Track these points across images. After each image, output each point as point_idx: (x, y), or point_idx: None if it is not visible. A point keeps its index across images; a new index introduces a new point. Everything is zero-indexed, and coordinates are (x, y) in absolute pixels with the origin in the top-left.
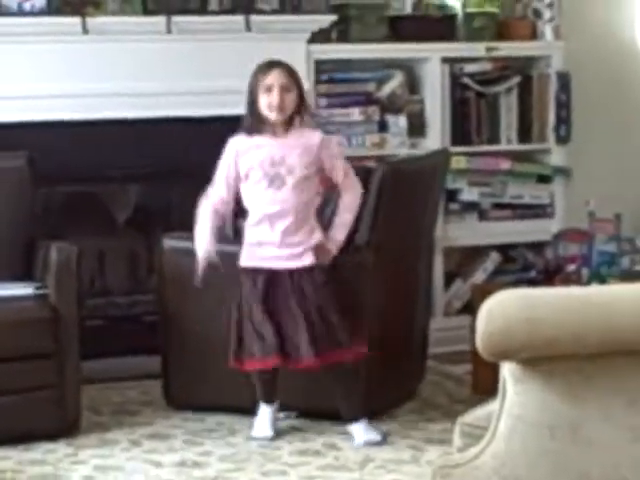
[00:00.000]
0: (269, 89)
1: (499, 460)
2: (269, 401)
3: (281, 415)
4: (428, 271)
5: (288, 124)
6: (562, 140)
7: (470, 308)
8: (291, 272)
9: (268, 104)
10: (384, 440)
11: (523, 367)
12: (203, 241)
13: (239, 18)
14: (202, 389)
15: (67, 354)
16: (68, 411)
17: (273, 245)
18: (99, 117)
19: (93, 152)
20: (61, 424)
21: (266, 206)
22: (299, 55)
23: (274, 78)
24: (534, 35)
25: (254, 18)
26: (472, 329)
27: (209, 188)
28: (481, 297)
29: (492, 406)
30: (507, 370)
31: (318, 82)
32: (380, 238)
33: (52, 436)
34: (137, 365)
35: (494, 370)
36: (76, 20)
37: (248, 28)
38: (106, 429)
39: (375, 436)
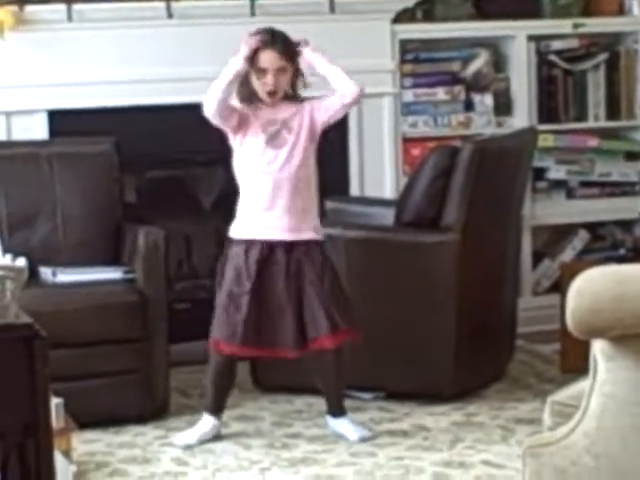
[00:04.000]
0: (263, 71)
1: (590, 438)
2: (217, 410)
3: (369, 396)
4: (516, 250)
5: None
6: None
7: (559, 287)
8: (290, 246)
9: (262, 85)
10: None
11: (614, 345)
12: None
13: None
14: (290, 370)
15: (155, 337)
16: (157, 394)
17: (272, 213)
18: (184, 101)
19: (179, 136)
20: (150, 407)
21: (265, 166)
22: (384, 35)
23: (269, 61)
24: (621, 11)
25: None
26: (561, 308)
27: None
28: (570, 276)
29: (582, 384)
30: (598, 348)
31: (403, 62)
32: (467, 218)
33: (141, 419)
34: None
35: (583, 349)
36: (161, 4)
37: (332, 9)
38: (195, 411)
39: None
